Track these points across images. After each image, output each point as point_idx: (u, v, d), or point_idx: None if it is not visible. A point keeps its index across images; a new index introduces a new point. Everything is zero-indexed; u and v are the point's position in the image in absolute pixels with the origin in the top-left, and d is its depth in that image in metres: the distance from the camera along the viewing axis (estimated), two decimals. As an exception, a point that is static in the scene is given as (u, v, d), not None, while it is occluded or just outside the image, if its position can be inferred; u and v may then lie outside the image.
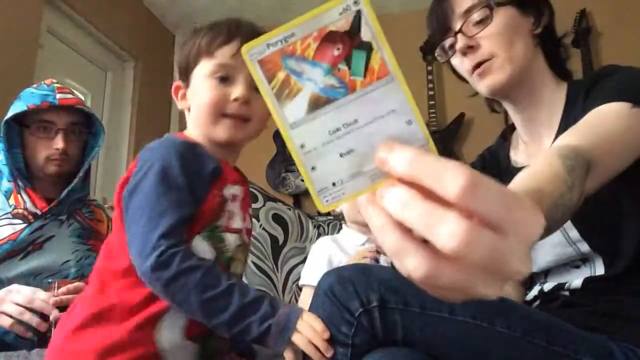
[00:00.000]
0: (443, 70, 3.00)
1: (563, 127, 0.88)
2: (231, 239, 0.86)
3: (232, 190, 0.88)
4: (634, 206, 0.82)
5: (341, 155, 0.35)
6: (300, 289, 1.52)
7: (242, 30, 0.91)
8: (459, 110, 2.80)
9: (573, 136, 0.70)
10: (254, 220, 1.65)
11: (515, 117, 0.98)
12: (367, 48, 0.35)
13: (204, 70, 0.89)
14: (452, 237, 0.29)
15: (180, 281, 0.74)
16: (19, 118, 1.26)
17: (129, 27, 3.00)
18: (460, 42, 0.89)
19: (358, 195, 0.35)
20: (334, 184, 0.35)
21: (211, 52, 0.89)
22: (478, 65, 0.88)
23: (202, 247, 0.82)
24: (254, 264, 1.57)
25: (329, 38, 0.34)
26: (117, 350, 0.76)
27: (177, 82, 0.94)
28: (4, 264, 1.18)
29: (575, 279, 0.85)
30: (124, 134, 3.01)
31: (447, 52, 0.94)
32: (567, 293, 0.87)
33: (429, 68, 2.88)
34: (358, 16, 0.34)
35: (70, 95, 1.30)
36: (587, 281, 0.84)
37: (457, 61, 0.93)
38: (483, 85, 0.90)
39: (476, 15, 0.88)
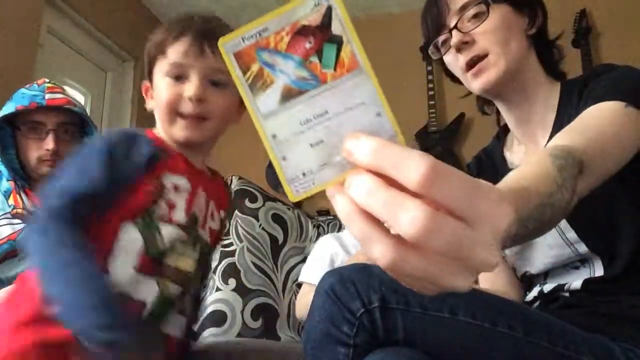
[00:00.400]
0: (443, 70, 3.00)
1: (557, 127, 0.89)
2: (169, 231, 0.82)
3: (175, 180, 0.84)
4: (630, 206, 0.82)
5: (311, 146, 0.36)
6: (299, 286, 1.53)
7: (193, 27, 0.88)
8: (459, 110, 2.80)
9: (565, 136, 0.70)
10: (252, 220, 1.65)
11: (508, 118, 0.98)
12: (338, 41, 0.36)
13: (159, 69, 0.88)
14: (413, 224, 0.29)
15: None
16: (10, 119, 1.26)
17: (129, 27, 3.00)
18: (455, 37, 0.89)
19: (327, 185, 0.35)
20: (304, 174, 0.36)
21: (164, 50, 0.88)
22: (472, 62, 0.89)
23: (131, 235, 0.79)
24: (254, 263, 1.57)
25: (301, 32, 0.36)
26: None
27: (145, 83, 0.94)
28: (3, 264, 1.18)
29: (575, 280, 0.85)
30: (124, 134, 3.01)
31: (440, 50, 0.94)
32: (566, 294, 0.87)
33: (429, 68, 2.88)
34: (329, 10, 0.35)
35: (60, 95, 1.29)
36: (587, 282, 0.84)
37: (450, 58, 0.93)
38: (476, 83, 0.90)
39: (472, 11, 0.88)
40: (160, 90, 0.87)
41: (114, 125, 2.98)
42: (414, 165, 0.29)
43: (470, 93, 0.98)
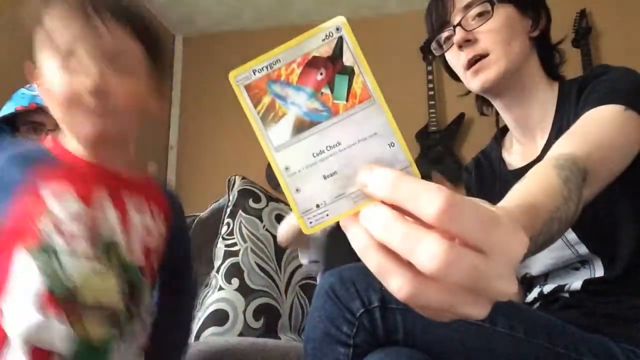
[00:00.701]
0: (443, 70, 2.99)
1: (556, 128, 0.89)
2: (76, 265, 0.67)
3: (66, 206, 0.69)
4: (630, 208, 0.82)
5: (324, 178, 0.36)
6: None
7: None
8: (459, 110, 2.80)
9: (568, 143, 0.70)
10: (256, 220, 1.65)
11: (507, 118, 0.98)
12: (349, 72, 0.36)
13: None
14: (432, 259, 0.29)
15: None
16: (10, 120, 1.26)
17: (129, 27, 2.99)
18: (458, 34, 0.89)
19: (341, 217, 0.35)
20: (317, 206, 0.36)
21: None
22: (474, 61, 0.89)
23: (26, 268, 0.65)
24: (257, 264, 1.57)
25: (312, 63, 0.36)
26: None
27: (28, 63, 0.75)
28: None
29: (575, 281, 0.85)
30: (123, 134, 3.01)
31: (443, 46, 0.94)
32: (566, 295, 0.87)
33: (429, 68, 2.88)
34: (340, 42, 0.36)
35: None
36: (587, 283, 0.84)
37: (452, 55, 0.94)
38: (475, 82, 0.90)
39: (476, 9, 0.88)
40: (51, 78, 0.70)
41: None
42: (430, 199, 0.30)
43: (469, 92, 0.99)
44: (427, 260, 0.29)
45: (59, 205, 0.68)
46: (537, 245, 0.52)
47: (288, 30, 3.86)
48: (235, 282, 1.52)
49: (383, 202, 0.32)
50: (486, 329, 0.67)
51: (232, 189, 1.76)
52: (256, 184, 1.77)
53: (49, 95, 0.72)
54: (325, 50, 0.36)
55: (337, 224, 0.35)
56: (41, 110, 1.25)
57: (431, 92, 2.85)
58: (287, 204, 1.76)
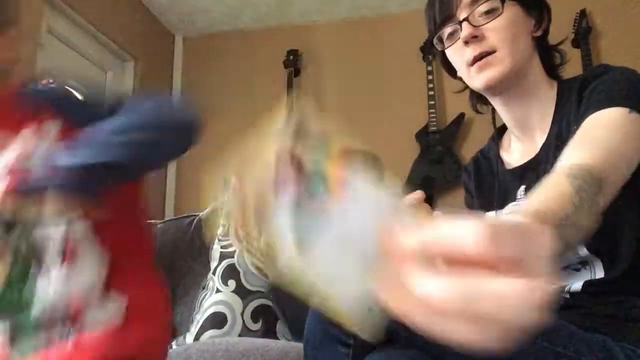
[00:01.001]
0: (443, 71, 2.99)
1: (555, 126, 0.89)
2: None
3: None
4: (630, 209, 0.82)
5: (352, 267, 0.33)
6: None
7: None
8: (459, 110, 2.80)
9: (579, 152, 0.70)
10: None
11: (506, 117, 0.97)
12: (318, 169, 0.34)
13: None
14: (502, 301, 0.28)
15: None
16: None
17: (129, 27, 3.00)
18: (466, 30, 0.88)
19: (391, 300, 0.31)
20: (369, 309, 0.33)
21: None
22: (479, 57, 0.88)
23: None
24: (253, 264, 1.57)
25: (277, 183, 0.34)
26: None
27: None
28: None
29: (575, 283, 0.85)
30: (123, 134, 3.01)
31: (445, 41, 0.94)
32: (567, 295, 0.86)
33: (429, 68, 2.88)
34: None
35: None
36: (587, 284, 0.84)
37: (455, 51, 0.93)
38: (480, 79, 0.89)
39: (485, 6, 0.88)
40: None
41: (114, 125, 2.98)
42: (472, 233, 0.29)
43: (465, 88, 0.98)
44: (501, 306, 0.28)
45: None
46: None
47: (288, 30, 3.87)
48: (232, 283, 1.52)
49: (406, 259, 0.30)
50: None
51: (227, 190, 1.75)
52: (253, 184, 1.77)
53: None
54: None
55: None
56: None
57: (431, 92, 2.85)
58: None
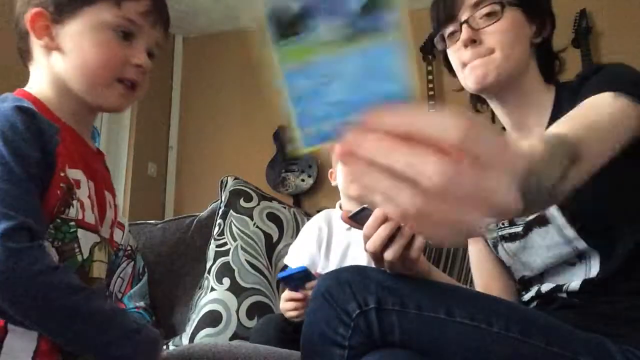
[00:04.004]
0: (443, 71, 2.99)
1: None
2: (87, 237, 0.70)
3: (73, 173, 0.70)
4: (629, 203, 0.82)
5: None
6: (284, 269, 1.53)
7: None
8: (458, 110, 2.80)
9: (561, 125, 0.70)
10: (246, 219, 1.65)
11: (503, 118, 0.98)
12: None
13: (102, 17, 0.72)
14: (438, 175, 0.31)
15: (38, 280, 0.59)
16: None
17: (129, 27, 2.99)
18: (465, 33, 0.89)
19: (337, 143, 0.34)
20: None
21: (119, 1, 0.73)
22: (475, 59, 0.89)
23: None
24: (248, 262, 1.57)
25: None
26: None
27: (40, 9, 0.72)
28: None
29: (573, 281, 0.85)
30: (124, 133, 3.02)
31: (446, 41, 0.94)
32: (564, 295, 0.87)
33: (429, 68, 2.88)
34: None
35: None
36: (585, 283, 0.84)
37: (453, 52, 0.93)
38: (473, 79, 0.90)
39: (486, 9, 0.88)
40: (98, 43, 0.71)
41: (114, 125, 2.98)
42: (454, 122, 0.31)
43: (463, 88, 0.98)
44: (433, 178, 0.31)
45: (70, 172, 0.69)
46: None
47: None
48: (227, 281, 1.53)
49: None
50: (482, 330, 0.67)
51: (224, 190, 1.76)
52: (249, 184, 1.77)
53: (85, 57, 0.72)
54: None
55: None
56: None
57: (431, 92, 2.85)
58: (280, 202, 1.77)
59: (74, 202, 0.68)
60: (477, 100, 1.05)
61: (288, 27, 0.34)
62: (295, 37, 0.34)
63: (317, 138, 0.36)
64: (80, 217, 0.69)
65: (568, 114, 0.75)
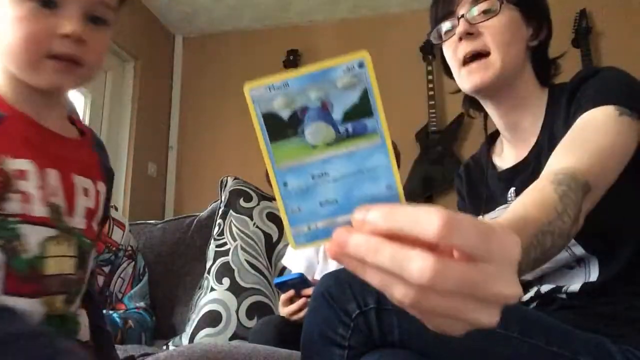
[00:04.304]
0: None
1: (546, 131, 0.89)
2: (33, 233, 0.63)
3: (18, 164, 0.63)
4: (627, 209, 0.82)
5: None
6: (283, 271, 1.53)
7: None
8: (459, 110, 2.78)
9: (566, 156, 0.71)
10: (246, 219, 1.65)
11: (497, 121, 0.98)
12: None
13: None
14: (421, 272, 0.31)
15: None
16: None
17: (129, 27, 3.00)
18: (462, 26, 0.89)
19: (327, 242, 0.36)
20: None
21: None
22: (472, 56, 0.89)
23: None
24: (248, 262, 1.57)
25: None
26: None
27: None
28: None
29: (572, 284, 0.85)
30: (124, 133, 3.02)
31: (443, 37, 0.94)
32: (563, 296, 0.86)
33: (429, 68, 2.89)
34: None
35: None
36: (585, 286, 0.84)
37: (449, 47, 0.93)
38: (470, 81, 0.90)
39: (484, 5, 0.88)
40: (17, 18, 0.62)
41: (113, 125, 2.99)
42: (430, 219, 0.32)
43: (460, 90, 0.98)
44: (417, 274, 0.32)
45: (10, 161, 0.63)
46: (530, 259, 0.52)
47: (288, 30, 3.86)
48: (226, 281, 1.53)
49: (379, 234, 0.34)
50: (481, 330, 0.67)
51: (224, 190, 1.76)
52: (249, 184, 1.77)
53: (12, 40, 0.63)
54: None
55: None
56: None
57: (431, 92, 2.85)
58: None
59: (11, 195, 0.62)
60: (470, 104, 1.05)
61: (279, 130, 0.37)
62: (287, 140, 0.37)
63: (309, 236, 0.38)
64: (23, 211, 0.63)
65: (571, 136, 0.75)
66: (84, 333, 0.71)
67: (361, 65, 0.36)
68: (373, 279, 0.34)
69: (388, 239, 0.33)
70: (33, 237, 0.63)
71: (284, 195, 0.38)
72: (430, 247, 0.32)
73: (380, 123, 0.37)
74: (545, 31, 0.94)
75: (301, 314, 1.16)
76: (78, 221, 0.70)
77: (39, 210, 0.64)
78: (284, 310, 1.21)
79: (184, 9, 3.22)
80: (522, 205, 0.58)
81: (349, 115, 0.37)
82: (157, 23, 3.33)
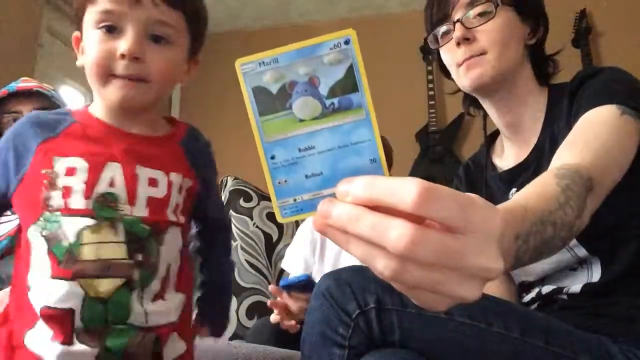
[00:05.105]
0: (443, 70, 3.00)
1: (547, 131, 0.90)
2: (71, 223, 0.70)
3: (68, 162, 0.72)
4: (629, 209, 0.82)
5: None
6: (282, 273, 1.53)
7: None
8: (459, 110, 2.79)
9: (570, 153, 0.71)
10: (246, 219, 1.65)
11: (497, 120, 0.98)
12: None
13: (87, 18, 0.73)
14: (399, 240, 0.32)
15: None
16: None
17: (129, 27, 3.00)
18: (458, 31, 0.89)
19: (312, 215, 0.37)
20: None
21: None
22: (469, 59, 0.89)
23: (36, 242, 0.71)
24: (247, 262, 1.57)
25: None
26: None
27: (76, 33, 0.78)
28: (3, 261, 1.18)
29: (574, 285, 0.85)
30: (124, 133, 3.02)
31: (439, 41, 0.94)
32: (565, 297, 0.86)
33: (429, 68, 2.89)
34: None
35: (31, 84, 1.35)
36: (586, 286, 0.84)
37: (447, 51, 0.94)
38: (468, 78, 0.90)
39: (479, 8, 0.88)
40: (91, 44, 0.73)
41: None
42: (407, 188, 0.32)
43: (459, 90, 0.98)
44: (395, 242, 0.32)
45: (60, 162, 0.72)
46: (530, 247, 0.52)
47: (288, 30, 3.87)
48: (227, 281, 1.52)
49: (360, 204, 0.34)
50: (482, 330, 0.67)
51: (224, 190, 1.76)
52: (248, 184, 1.77)
53: (87, 64, 0.74)
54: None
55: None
56: (14, 97, 1.31)
57: (431, 92, 2.85)
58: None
59: (55, 192, 0.70)
60: (470, 103, 1.05)
61: (268, 105, 0.38)
62: (275, 114, 0.38)
63: (295, 209, 0.40)
64: (64, 205, 0.70)
65: (575, 134, 0.75)
66: (139, 318, 0.72)
67: (347, 42, 0.37)
68: (356, 250, 0.34)
69: (370, 210, 0.33)
70: (71, 226, 0.70)
71: (271, 168, 0.39)
72: (414, 220, 0.32)
73: (365, 98, 0.38)
74: (542, 29, 0.94)
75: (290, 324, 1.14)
76: (139, 209, 0.75)
77: (79, 202, 0.71)
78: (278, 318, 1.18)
79: (184, 9, 3.22)
80: (523, 195, 0.57)
81: (335, 91, 0.38)
82: (157, 23, 3.34)
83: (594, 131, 0.75)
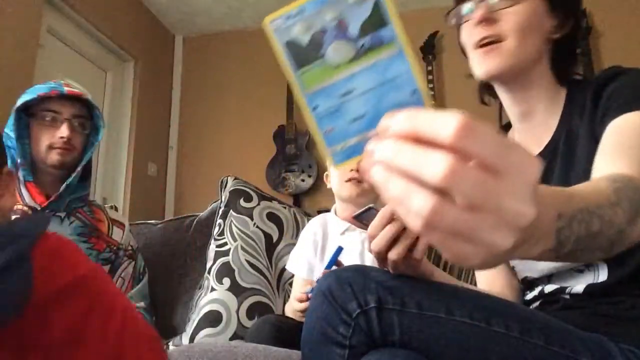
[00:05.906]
0: (443, 71, 3.00)
1: (563, 129, 0.88)
2: None
3: None
4: None
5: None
6: (292, 286, 1.53)
7: None
8: (459, 109, 2.81)
9: (614, 163, 0.69)
10: (246, 219, 1.64)
11: (511, 110, 0.96)
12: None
13: None
14: (439, 171, 0.31)
15: None
16: (26, 109, 1.32)
17: (129, 27, 3.00)
18: (481, 10, 0.87)
19: (363, 157, 0.37)
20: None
21: None
22: (486, 41, 0.87)
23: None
24: (248, 262, 1.57)
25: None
26: None
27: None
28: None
29: (577, 285, 0.85)
30: (124, 134, 3.02)
31: (461, 18, 0.92)
32: (567, 297, 0.86)
33: (429, 68, 2.89)
34: None
35: (77, 89, 1.37)
36: (589, 287, 0.84)
37: (466, 30, 0.91)
38: (483, 65, 0.88)
39: None
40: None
41: (114, 125, 2.98)
42: (448, 121, 0.31)
43: (471, 75, 0.96)
44: (434, 172, 0.31)
45: None
46: (573, 233, 0.49)
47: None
48: (227, 281, 1.52)
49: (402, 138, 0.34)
50: (482, 329, 0.66)
51: (224, 190, 1.76)
52: (248, 184, 1.77)
53: None
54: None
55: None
56: (60, 98, 1.32)
57: (431, 92, 2.85)
58: (280, 202, 1.77)
59: None
60: (485, 91, 1.03)
61: (302, 57, 0.38)
62: (311, 65, 0.38)
63: (345, 154, 0.39)
64: None
65: (611, 141, 0.74)
66: None
67: None
68: (394, 189, 0.33)
69: (413, 143, 0.33)
70: None
71: (316, 118, 0.39)
72: (448, 150, 0.31)
73: (395, 30, 0.37)
74: (571, 24, 0.90)
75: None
76: None
77: None
78: (299, 306, 1.21)
79: (184, 9, 3.22)
80: (570, 187, 0.55)
81: (364, 29, 0.37)
82: (157, 23, 3.33)
83: (632, 138, 0.73)
